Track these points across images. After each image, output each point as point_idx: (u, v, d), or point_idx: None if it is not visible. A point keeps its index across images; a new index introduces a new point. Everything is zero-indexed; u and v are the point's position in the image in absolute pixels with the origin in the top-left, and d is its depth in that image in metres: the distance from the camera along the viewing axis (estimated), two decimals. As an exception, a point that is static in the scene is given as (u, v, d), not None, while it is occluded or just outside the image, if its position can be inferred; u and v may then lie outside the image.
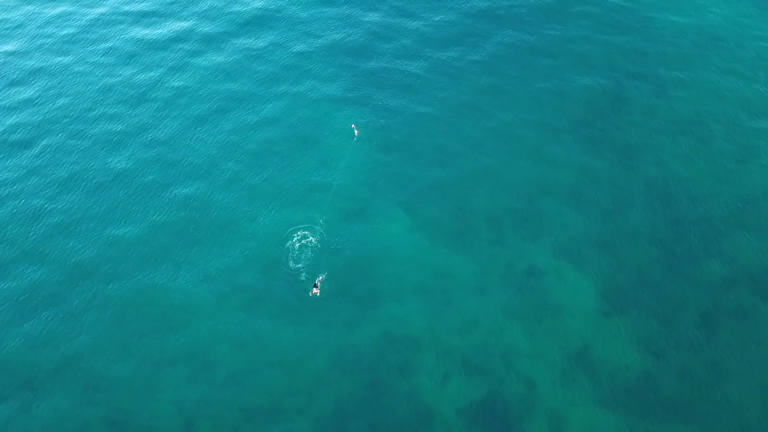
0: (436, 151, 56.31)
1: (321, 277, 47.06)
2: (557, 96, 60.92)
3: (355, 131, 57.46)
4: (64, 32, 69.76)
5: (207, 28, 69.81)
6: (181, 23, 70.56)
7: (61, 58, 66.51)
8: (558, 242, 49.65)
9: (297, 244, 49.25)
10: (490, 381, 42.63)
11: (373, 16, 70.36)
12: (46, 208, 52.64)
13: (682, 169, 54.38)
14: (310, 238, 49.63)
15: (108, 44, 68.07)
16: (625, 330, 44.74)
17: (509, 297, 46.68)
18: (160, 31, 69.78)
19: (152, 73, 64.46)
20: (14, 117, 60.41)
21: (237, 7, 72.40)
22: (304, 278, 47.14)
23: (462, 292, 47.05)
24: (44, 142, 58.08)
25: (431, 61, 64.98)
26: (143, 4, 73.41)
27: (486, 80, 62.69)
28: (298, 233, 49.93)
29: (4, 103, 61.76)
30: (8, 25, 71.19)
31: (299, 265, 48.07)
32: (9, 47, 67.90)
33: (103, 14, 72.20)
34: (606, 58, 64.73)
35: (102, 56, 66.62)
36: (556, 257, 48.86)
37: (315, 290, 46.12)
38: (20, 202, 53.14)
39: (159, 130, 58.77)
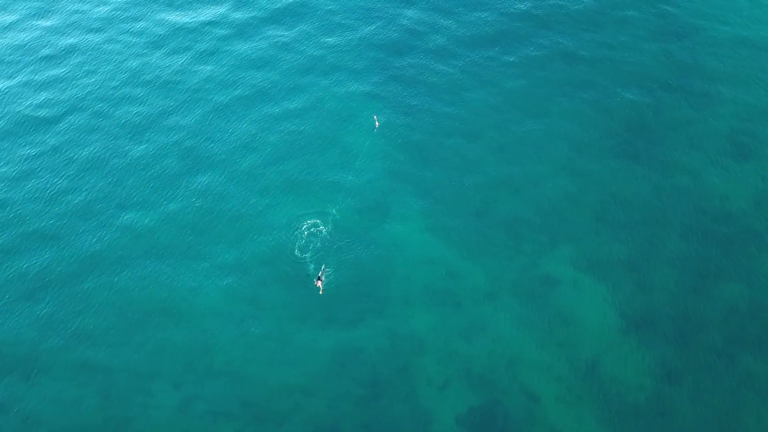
0: (458, 153, 54.79)
1: (324, 268, 46.17)
2: (591, 105, 58.70)
3: (377, 122, 56.43)
4: (100, 9, 70.20)
5: (239, 13, 69.50)
6: (215, 7, 70.36)
7: (93, 36, 66.93)
8: (577, 253, 47.74)
9: (308, 237, 48.50)
10: (493, 390, 41.12)
11: (409, 11, 69.14)
12: (64, 187, 52.77)
13: (717, 187, 51.83)
14: (321, 227, 48.95)
15: (140, 25, 68.27)
16: (639, 349, 42.66)
17: (521, 305, 45.04)
18: (193, 13, 69.74)
19: (181, 57, 64.37)
20: (42, 93, 60.90)
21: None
22: (311, 271, 46.32)
23: (472, 296, 45.60)
24: (69, 119, 58.31)
25: (463, 60, 63.43)
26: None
27: (517, 84, 60.79)
28: (310, 226, 49.20)
29: (33, 77, 62.38)
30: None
31: (307, 257, 47.27)
32: (45, 22, 68.70)
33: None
34: (647, 68, 62.24)
35: (133, 37, 66.82)
36: (574, 268, 46.97)
37: (318, 283, 45.24)
38: (39, 179, 53.37)
39: (182, 115, 58.50)
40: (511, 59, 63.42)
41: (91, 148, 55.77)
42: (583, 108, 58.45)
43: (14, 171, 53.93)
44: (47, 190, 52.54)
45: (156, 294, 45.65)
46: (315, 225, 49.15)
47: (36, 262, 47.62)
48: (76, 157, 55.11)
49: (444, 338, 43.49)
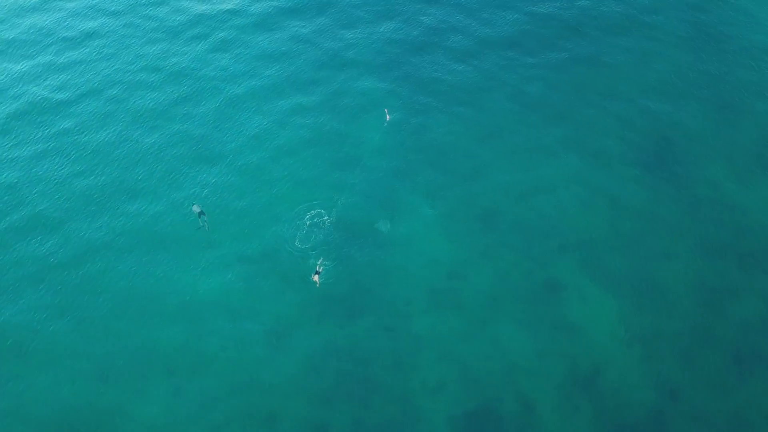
0: (469, 155, 53.70)
1: (322, 261, 45.61)
2: (611, 112, 57.11)
3: (387, 116, 55.63)
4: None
5: (260, 3, 69.12)
6: (236, -3, 70.29)
7: (113, 20, 67.14)
8: (586, 262, 46.48)
9: (310, 229, 47.98)
10: (488, 396, 40.17)
11: (432, 9, 68.23)
12: (72, 171, 52.63)
13: (737, 200, 50.20)
14: (325, 217, 48.48)
15: (160, 10, 68.24)
16: (643, 362, 41.32)
17: (524, 311, 43.96)
18: (213, 0, 69.58)
19: (198, 45, 64.03)
20: (59, 75, 60.94)
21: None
22: (311, 263, 45.78)
23: (474, 299, 44.63)
24: (82, 103, 58.18)
25: (482, 60, 62.32)
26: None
27: (537, 88, 59.38)
28: (313, 216, 48.74)
29: (53, 59, 62.66)
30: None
31: (308, 249, 46.74)
32: (68, 3, 69.09)
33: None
34: (672, 76, 60.52)
35: (152, 22, 66.82)
36: (581, 276, 45.73)
37: (315, 278, 44.64)
38: (49, 162, 53.34)
39: (195, 104, 58.04)
40: (532, 61, 62.15)
41: (103, 133, 55.74)
42: (601, 115, 56.94)
43: (26, 152, 54.13)
44: (56, 173, 52.59)
45: (155, 281, 45.43)
46: (319, 215, 48.63)
47: (39, 245, 47.71)
48: (86, 141, 55.08)
49: (442, 340, 42.63)
